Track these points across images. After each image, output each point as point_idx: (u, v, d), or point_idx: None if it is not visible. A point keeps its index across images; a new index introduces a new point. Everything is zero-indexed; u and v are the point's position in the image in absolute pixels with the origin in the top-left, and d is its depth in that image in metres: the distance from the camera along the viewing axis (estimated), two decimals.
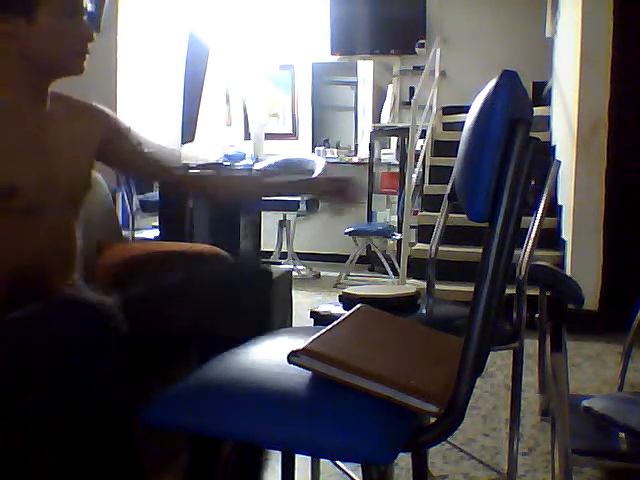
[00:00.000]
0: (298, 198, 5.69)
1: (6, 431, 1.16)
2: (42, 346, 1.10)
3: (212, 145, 6.06)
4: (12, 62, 1.32)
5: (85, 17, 1.37)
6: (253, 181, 1.80)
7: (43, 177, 1.34)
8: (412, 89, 5.97)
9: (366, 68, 6.60)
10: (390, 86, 6.48)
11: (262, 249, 5.08)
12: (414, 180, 4.91)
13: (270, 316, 1.47)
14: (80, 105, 1.50)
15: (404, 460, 1.96)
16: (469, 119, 1.14)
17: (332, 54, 6.53)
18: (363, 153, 6.45)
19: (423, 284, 1.96)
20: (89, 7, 1.98)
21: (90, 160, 1.50)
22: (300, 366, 0.95)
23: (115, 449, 1.15)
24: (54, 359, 1.10)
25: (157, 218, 4.61)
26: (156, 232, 3.93)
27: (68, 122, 1.43)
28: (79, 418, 1.11)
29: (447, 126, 5.86)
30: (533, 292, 1.81)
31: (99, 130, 1.52)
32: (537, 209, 1.70)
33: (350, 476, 1.91)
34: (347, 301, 1.62)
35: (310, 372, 0.96)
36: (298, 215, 5.79)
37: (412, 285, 2.24)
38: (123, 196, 4.62)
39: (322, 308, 1.66)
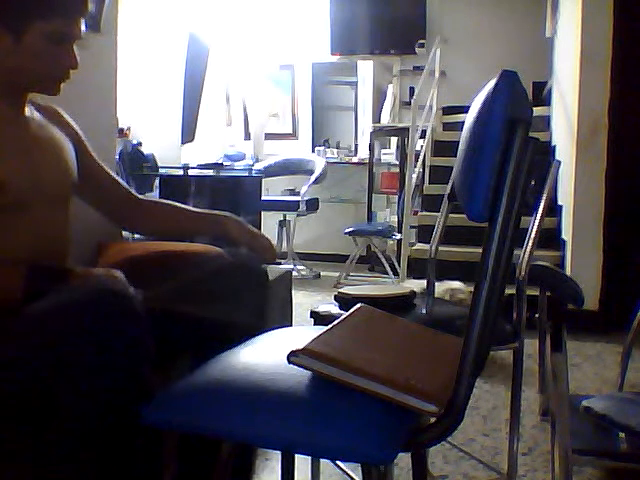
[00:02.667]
0: (298, 198, 5.70)
1: (39, 419, 1.17)
2: (74, 335, 1.12)
3: (212, 145, 6.06)
4: None
5: (76, 44, 1.41)
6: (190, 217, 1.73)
7: (29, 175, 1.38)
8: (412, 89, 5.98)
9: (366, 68, 6.60)
10: (390, 86, 6.48)
11: None
12: (414, 180, 4.91)
13: (266, 315, 1.47)
14: (49, 108, 1.54)
15: (404, 460, 1.96)
16: (469, 119, 1.14)
17: (332, 54, 6.53)
18: (363, 153, 6.45)
19: (423, 284, 1.95)
20: (89, 7, 1.97)
21: (72, 159, 1.52)
22: (300, 366, 0.95)
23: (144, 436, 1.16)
24: (86, 348, 1.11)
25: None
26: None
27: (45, 125, 1.48)
28: (115, 405, 1.12)
29: (447, 126, 5.86)
30: (533, 292, 1.81)
31: (70, 129, 1.57)
32: (537, 209, 1.70)
33: (350, 476, 1.91)
34: (342, 301, 1.63)
35: (310, 372, 0.96)
36: (298, 215, 5.79)
37: (409, 285, 2.24)
38: None
39: (322, 308, 1.66)
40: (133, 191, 1.70)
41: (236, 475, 1.37)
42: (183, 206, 1.71)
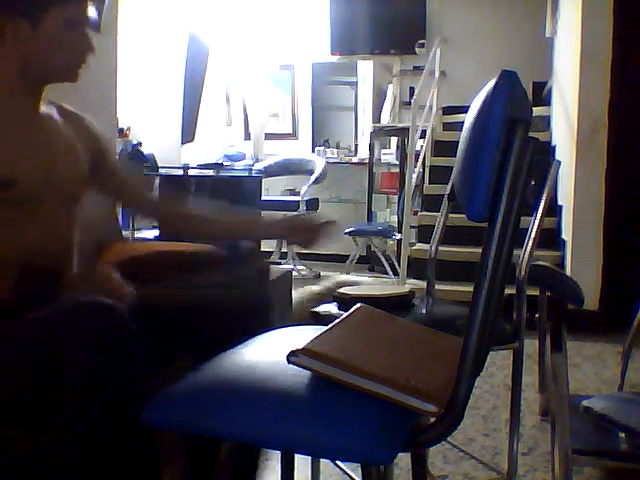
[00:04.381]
0: (298, 198, 5.70)
1: (24, 428, 1.17)
2: (62, 346, 1.12)
3: (212, 145, 6.06)
4: (11, 62, 1.37)
5: (88, 28, 1.41)
6: (236, 221, 1.73)
7: (40, 171, 1.38)
8: (412, 89, 5.98)
9: (366, 68, 6.60)
10: (390, 86, 6.48)
11: (262, 249, 5.08)
12: (414, 180, 4.91)
13: (269, 314, 1.47)
14: (74, 115, 1.54)
15: (404, 460, 1.95)
16: (468, 119, 1.14)
17: (332, 54, 6.53)
18: (363, 153, 6.45)
19: (423, 284, 1.95)
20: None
21: (85, 162, 1.52)
22: (299, 366, 0.95)
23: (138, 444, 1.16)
24: (73, 359, 1.11)
25: None
26: (156, 232, 3.93)
27: (63, 126, 1.48)
28: (100, 416, 1.12)
29: (447, 126, 5.86)
30: (533, 292, 1.80)
31: (91, 139, 1.56)
32: (537, 209, 1.70)
33: (350, 476, 1.91)
34: (341, 301, 1.62)
35: (309, 372, 0.96)
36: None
37: (408, 285, 2.24)
38: None
39: (322, 308, 1.66)
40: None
41: (240, 476, 1.37)
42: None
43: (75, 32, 1.38)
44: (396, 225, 5.62)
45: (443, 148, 5.35)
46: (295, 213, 5.65)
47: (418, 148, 5.07)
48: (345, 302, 1.58)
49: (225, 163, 5.48)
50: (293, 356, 0.95)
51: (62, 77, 1.43)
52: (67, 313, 1.17)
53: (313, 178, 5.76)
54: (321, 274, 5.76)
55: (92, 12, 1.42)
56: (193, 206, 1.73)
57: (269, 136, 6.75)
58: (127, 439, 1.14)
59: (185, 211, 1.70)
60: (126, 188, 1.64)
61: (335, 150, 6.57)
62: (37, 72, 1.39)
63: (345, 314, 1.21)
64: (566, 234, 4.23)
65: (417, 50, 6.24)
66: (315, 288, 2.98)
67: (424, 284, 1.94)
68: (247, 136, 6.70)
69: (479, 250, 0.94)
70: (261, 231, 1.77)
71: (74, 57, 1.40)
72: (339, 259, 5.91)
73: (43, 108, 1.45)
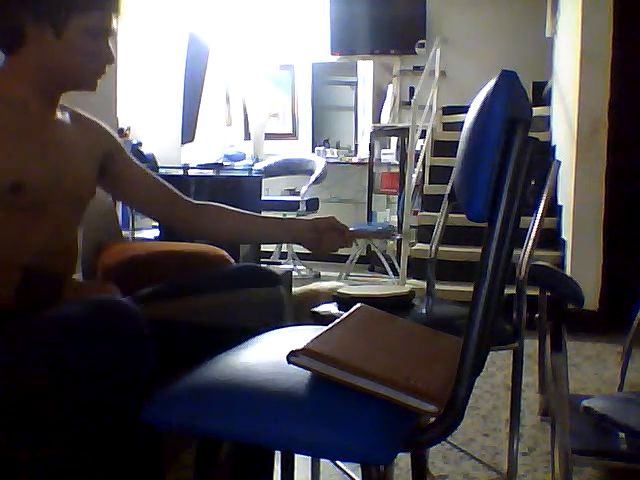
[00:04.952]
0: (298, 198, 5.70)
1: (24, 429, 1.18)
2: (77, 345, 1.12)
3: (212, 145, 6.06)
4: (32, 68, 1.37)
5: (109, 38, 1.41)
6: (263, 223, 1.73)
7: (48, 176, 1.38)
8: (412, 89, 5.98)
9: (366, 68, 6.60)
10: (390, 86, 6.48)
11: (262, 249, 5.08)
12: (414, 180, 4.91)
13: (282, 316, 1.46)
14: (86, 120, 1.55)
15: (404, 460, 1.96)
16: (468, 119, 1.14)
17: (332, 54, 6.53)
18: (363, 153, 6.45)
19: (423, 284, 1.95)
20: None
21: (94, 169, 1.52)
22: (299, 366, 0.95)
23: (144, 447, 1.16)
24: (89, 359, 1.11)
25: None
26: (156, 232, 3.94)
27: (75, 132, 1.48)
28: (113, 418, 1.13)
29: (447, 126, 5.87)
30: (533, 292, 1.81)
31: (102, 143, 1.56)
32: (537, 209, 1.70)
33: (350, 476, 1.91)
34: (341, 301, 1.62)
35: (309, 372, 0.96)
36: (298, 215, 5.79)
37: (408, 285, 2.24)
38: None
39: (322, 308, 1.66)
40: (183, 196, 1.66)
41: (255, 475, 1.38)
42: (245, 211, 1.69)
43: (96, 41, 1.38)
44: (396, 225, 5.62)
45: (443, 148, 5.35)
46: (295, 213, 5.68)
47: (418, 148, 5.07)
48: (345, 302, 1.58)
49: (225, 163, 5.47)
50: (293, 356, 0.95)
51: (81, 85, 1.43)
52: (75, 313, 1.17)
53: (313, 178, 5.76)
54: (321, 274, 5.76)
55: (115, 23, 1.42)
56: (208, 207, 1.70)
57: (269, 136, 6.75)
58: (130, 439, 1.14)
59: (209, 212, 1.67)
60: (141, 190, 1.62)
61: (335, 150, 6.58)
62: (57, 79, 1.39)
63: (345, 314, 1.21)
64: (566, 234, 4.23)
65: (417, 50, 6.24)
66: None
67: (424, 284, 1.94)
68: (247, 136, 6.70)
69: (479, 250, 0.94)
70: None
71: (93, 65, 1.40)
72: (339, 259, 5.90)
73: (57, 114, 1.45)
